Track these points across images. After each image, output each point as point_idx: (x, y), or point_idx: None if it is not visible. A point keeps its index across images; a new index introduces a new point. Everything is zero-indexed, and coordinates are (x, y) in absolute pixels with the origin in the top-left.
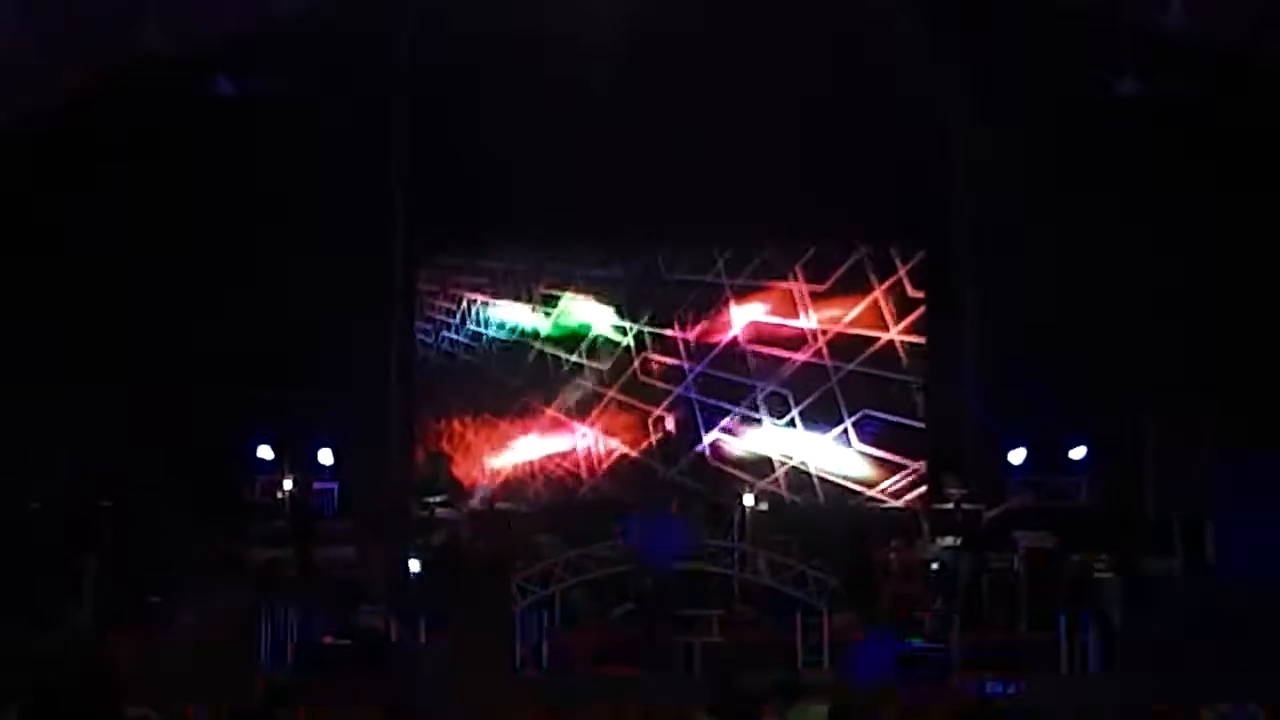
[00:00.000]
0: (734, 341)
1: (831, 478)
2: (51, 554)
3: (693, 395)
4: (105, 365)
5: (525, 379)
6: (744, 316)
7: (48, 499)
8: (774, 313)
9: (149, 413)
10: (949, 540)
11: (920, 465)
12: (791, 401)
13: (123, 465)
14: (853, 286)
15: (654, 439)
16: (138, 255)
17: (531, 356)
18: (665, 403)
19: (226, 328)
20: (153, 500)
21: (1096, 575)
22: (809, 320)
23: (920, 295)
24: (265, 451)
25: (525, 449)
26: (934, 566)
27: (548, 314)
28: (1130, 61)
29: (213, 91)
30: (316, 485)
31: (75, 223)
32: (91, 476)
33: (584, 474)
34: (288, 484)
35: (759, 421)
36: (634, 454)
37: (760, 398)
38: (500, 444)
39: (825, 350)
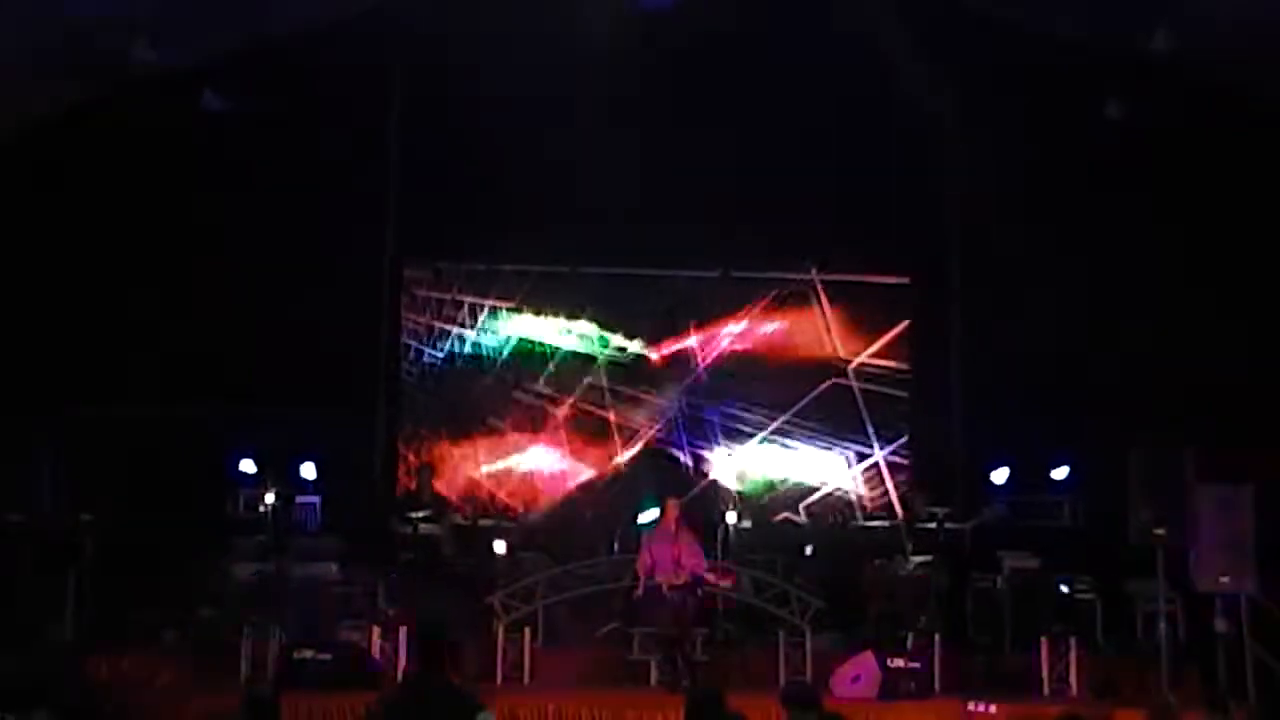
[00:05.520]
0: (719, 359)
1: (815, 496)
2: (31, 569)
3: (677, 412)
4: (87, 379)
5: (510, 394)
6: (729, 335)
7: (28, 513)
8: (759, 332)
9: (131, 426)
10: (932, 559)
11: (903, 484)
12: (774, 420)
13: (104, 479)
14: (837, 308)
15: (639, 456)
16: (121, 269)
17: (518, 371)
18: (649, 418)
19: (210, 341)
20: (134, 515)
21: (1079, 597)
22: (794, 340)
23: (906, 316)
24: (248, 465)
25: (511, 464)
26: (916, 585)
27: (538, 328)
28: (1117, 88)
29: (199, 106)
30: (299, 499)
31: (58, 237)
32: (72, 490)
33: (568, 491)
34: (270, 498)
35: (741, 439)
36: (618, 471)
37: (742, 416)
38: (485, 459)
39: (809, 370)
